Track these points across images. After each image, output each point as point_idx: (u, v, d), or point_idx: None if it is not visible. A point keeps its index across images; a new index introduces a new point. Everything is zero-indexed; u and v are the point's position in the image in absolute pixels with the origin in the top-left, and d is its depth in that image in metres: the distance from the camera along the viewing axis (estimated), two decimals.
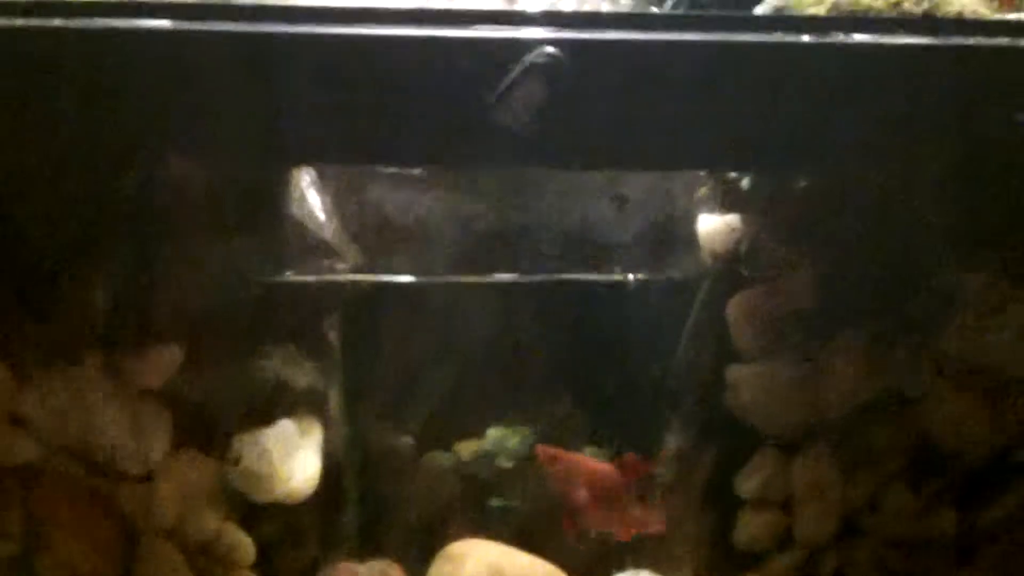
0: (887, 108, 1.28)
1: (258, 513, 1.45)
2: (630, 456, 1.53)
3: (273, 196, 1.44)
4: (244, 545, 1.44)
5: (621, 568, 1.62)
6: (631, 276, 1.54)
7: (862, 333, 1.46)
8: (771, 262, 1.47)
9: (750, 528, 1.49)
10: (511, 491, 1.60)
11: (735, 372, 1.48)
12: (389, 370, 1.56)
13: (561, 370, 1.60)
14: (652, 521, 1.49)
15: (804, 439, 1.48)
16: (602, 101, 1.26)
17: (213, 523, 1.42)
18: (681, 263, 1.54)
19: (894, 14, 1.39)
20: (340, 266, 1.48)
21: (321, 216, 1.46)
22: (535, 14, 1.30)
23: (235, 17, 1.25)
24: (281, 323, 1.44)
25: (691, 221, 1.52)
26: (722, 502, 1.52)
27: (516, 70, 1.21)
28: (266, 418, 1.43)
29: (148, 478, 1.41)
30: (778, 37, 1.28)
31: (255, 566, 1.45)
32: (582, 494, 1.46)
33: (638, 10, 1.61)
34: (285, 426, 1.42)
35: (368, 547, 1.54)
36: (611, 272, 1.55)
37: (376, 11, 1.28)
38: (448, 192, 1.54)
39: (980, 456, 1.47)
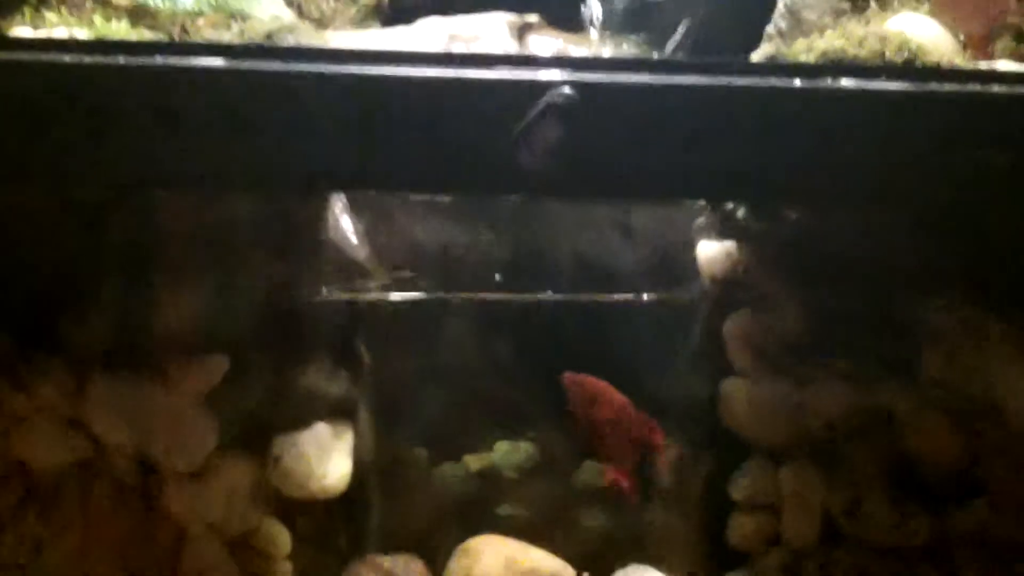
0: (870, 148, 1.35)
1: (294, 508, 1.50)
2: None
3: (311, 221, 1.50)
4: (282, 537, 1.51)
5: (624, 563, 1.62)
6: (636, 296, 1.59)
7: (844, 355, 1.51)
8: (763, 287, 1.53)
9: (741, 529, 1.56)
10: (517, 500, 1.65)
11: (729, 386, 1.55)
12: (409, 383, 1.61)
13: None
14: (654, 443, 1.55)
15: (790, 449, 1.54)
16: (612, 137, 1.32)
17: (254, 517, 1.48)
18: (682, 285, 1.59)
19: (878, 62, 1.46)
20: (371, 285, 1.54)
21: (353, 239, 1.53)
22: (552, 58, 1.38)
23: (282, 57, 1.32)
24: (318, 337, 1.50)
25: (691, 247, 1.58)
26: (716, 505, 1.57)
27: (534, 109, 1.28)
28: (303, 422, 1.49)
29: (196, 475, 1.46)
30: (772, 82, 1.35)
31: (291, 557, 1.50)
32: (601, 412, 1.53)
33: (644, 55, 1.67)
34: (320, 429, 1.50)
35: (392, 543, 1.58)
36: (617, 293, 1.60)
37: (407, 54, 1.35)
38: (468, 218, 1.60)
39: (951, 469, 1.52)
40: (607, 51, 1.72)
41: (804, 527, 1.55)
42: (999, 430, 1.53)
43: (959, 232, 1.51)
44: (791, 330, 1.54)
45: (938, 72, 1.42)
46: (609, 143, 1.33)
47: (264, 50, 1.36)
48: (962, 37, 1.55)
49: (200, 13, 1.50)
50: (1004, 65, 1.48)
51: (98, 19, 1.47)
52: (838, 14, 1.62)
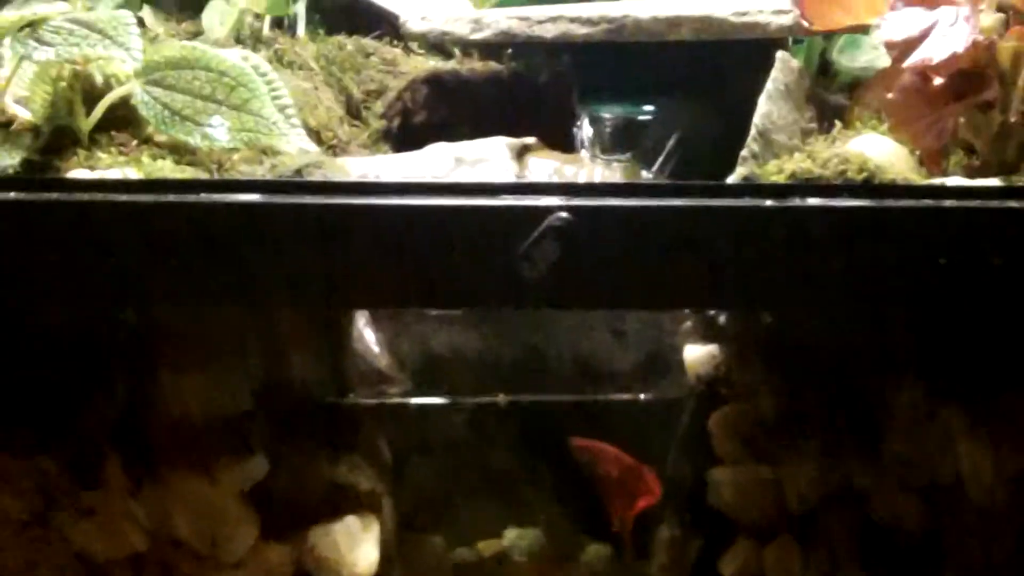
0: (835, 259, 1.43)
1: None
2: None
3: (339, 333, 1.60)
4: None
5: None
6: (631, 396, 1.68)
7: (817, 441, 1.59)
8: (743, 383, 1.62)
9: None
10: None
11: (716, 474, 1.61)
12: (427, 478, 1.68)
13: (570, 478, 1.72)
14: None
15: (773, 528, 1.60)
16: (605, 254, 1.41)
17: None
18: (670, 385, 1.67)
19: (840, 181, 1.56)
20: (392, 390, 1.62)
21: (376, 348, 1.61)
22: (551, 184, 1.49)
23: (311, 191, 1.42)
24: (347, 437, 1.57)
25: (678, 350, 1.65)
26: None
27: (536, 231, 1.38)
28: (335, 514, 1.55)
29: (238, 564, 1.52)
30: (746, 201, 1.44)
31: None
32: (610, 471, 1.62)
33: (633, 178, 1.74)
34: (350, 521, 1.55)
35: None
36: (611, 393, 1.69)
37: (422, 185, 1.46)
38: (478, 328, 1.67)
39: (917, 539, 1.59)
40: (598, 170, 1.76)
41: None
42: (960, 503, 1.59)
43: (915, 328, 1.58)
44: (768, 419, 1.61)
45: (893, 189, 1.53)
46: (602, 259, 1.41)
47: (296, 185, 1.47)
48: (918, 153, 1.63)
49: (235, 149, 1.57)
50: (954, 180, 1.57)
51: (146, 158, 1.54)
52: (806, 134, 1.73)
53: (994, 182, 1.56)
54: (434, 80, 1.94)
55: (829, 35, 1.88)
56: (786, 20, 1.83)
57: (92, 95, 1.60)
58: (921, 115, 1.63)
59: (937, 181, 1.59)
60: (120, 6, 1.86)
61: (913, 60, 1.60)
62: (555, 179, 1.72)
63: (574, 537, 1.73)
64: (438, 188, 1.47)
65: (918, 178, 1.60)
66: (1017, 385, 1.58)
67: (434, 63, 1.98)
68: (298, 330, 1.56)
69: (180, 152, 1.58)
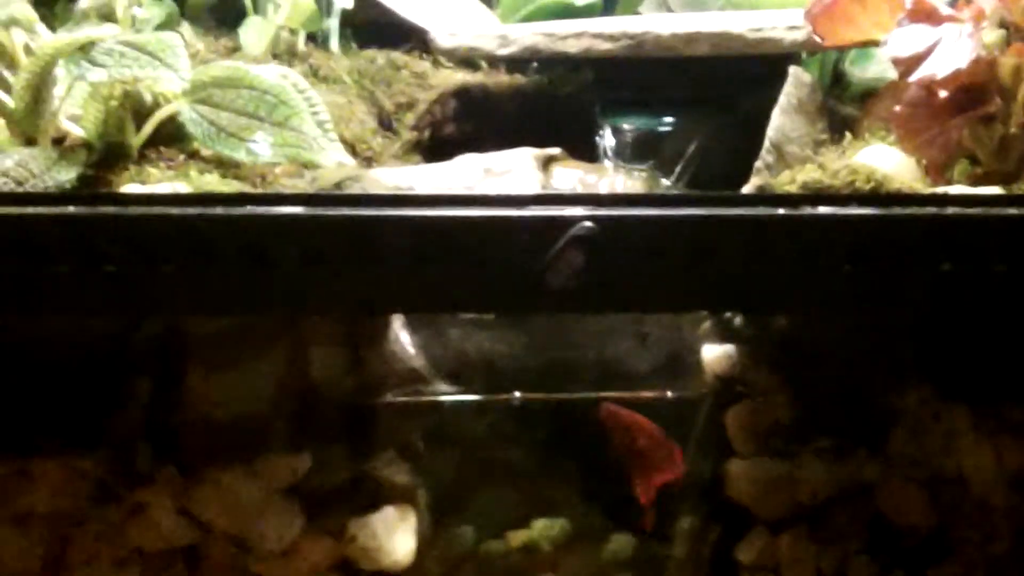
0: (845, 265, 1.47)
1: None
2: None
3: (377, 337, 1.62)
4: None
5: None
6: (654, 393, 1.70)
7: (828, 437, 1.64)
8: (757, 382, 1.65)
9: None
10: (554, 570, 1.73)
11: (733, 467, 1.65)
12: (458, 472, 1.70)
13: (595, 469, 1.73)
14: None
15: (787, 519, 1.64)
16: (628, 261, 1.45)
17: None
18: (690, 383, 1.69)
19: (849, 191, 1.61)
20: (425, 389, 1.64)
21: (411, 350, 1.64)
22: (576, 195, 1.56)
23: (350, 204, 1.47)
24: (384, 433, 1.62)
25: (697, 351, 1.69)
26: (727, 569, 1.67)
27: (561, 240, 1.42)
28: (373, 506, 1.60)
29: (285, 554, 1.57)
30: (760, 210, 1.48)
31: None
32: (638, 440, 1.64)
33: (653, 188, 1.79)
34: (388, 512, 1.60)
35: None
36: (635, 391, 1.70)
37: (454, 197, 1.53)
38: (508, 331, 1.69)
39: (924, 532, 1.64)
40: (620, 179, 1.80)
41: None
42: (964, 497, 1.63)
43: (921, 331, 1.63)
44: (781, 416, 1.65)
45: (901, 197, 1.57)
46: (624, 266, 1.45)
47: (336, 198, 1.51)
48: (924, 163, 1.67)
49: (277, 163, 1.62)
50: (957, 188, 1.61)
51: (193, 173, 1.59)
52: (818, 145, 1.77)
53: (996, 190, 1.60)
54: (462, 93, 1.96)
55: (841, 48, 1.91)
56: (799, 36, 1.87)
57: (141, 113, 1.64)
58: (926, 127, 1.67)
59: (941, 190, 1.63)
60: (162, 23, 1.91)
61: (919, 75, 1.64)
62: (579, 188, 1.75)
63: (600, 527, 1.74)
64: (468, 200, 1.51)
65: (923, 187, 1.64)
66: (1017, 394, 1.63)
67: (462, 76, 1.98)
68: (338, 334, 1.60)
69: (225, 166, 1.63)
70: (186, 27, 2.00)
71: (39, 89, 1.62)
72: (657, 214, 1.48)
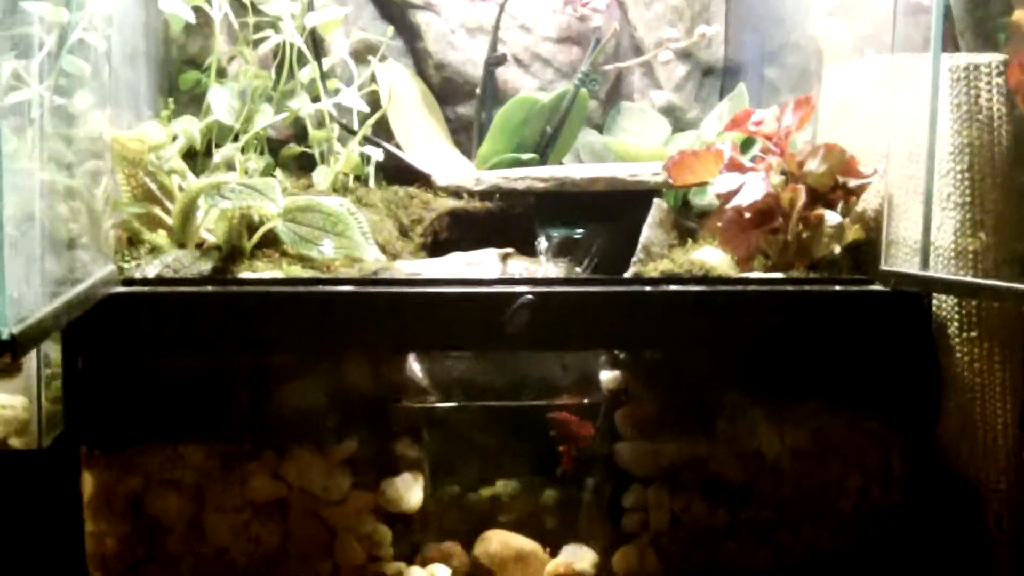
0: (686, 319, 1.55)
1: (393, 518, 1.60)
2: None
3: (398, 364, 1.62)
4: (387, 534, 1.59)
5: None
6: (573, 401, 1.68)
7: (678, 426, 1.63)
8: (635, 393, 1.65)
9: (629, 519, 1.64)
10: (510, 511, 1.68)
11: (620, 446, 1.65)
12: (450, 451, 1.67)
13: (536, 449, 1.68)
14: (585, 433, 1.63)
15: (653, 478, 1.63)
16: (557, 318, 1.52)
17: (372, 524, 1.58)
18: (594, 394, 1.68)
19: (689, 275, 1.64)
20: (430, 398, 1.64)
21: (419, 373, 1.64)
22: (523, 279, 1.60)
23: (384, 285, 1.56)
24: (402, 426, 1.61)
25: (597, 373, 1.67)
26: (616, 511, 1.65)
27: (513, 305, 1.50)
28: (395, 473, 1.60)
29: (340, 502, 1.56)
30: (635, 288, 1.58)
31: (392, 544, 1.60)
32: (569, 424, 1.64)
33: (570, 274, 1.79)
34: (405, 476, 1.60)
35: (443, 531, 1.65)
36: (561, 399, 1.69)
37: (448, 280, 1.59)
38: (480, 361, 1.68)
39: (739, 486, 1.63)
40: (550, 268, 1.80)
41: (661, 519, 1.63)
42: (762, 463, 1.64)
43: (732, 358, 1.63)
44: (650, 414, 1.64)
45: (720, 280, 1.63)
46: (554, 323, 1.52)
47: (375, 281, 1.57)
48: (735, 258, 1.70)
49: (336, 259, 1.65)
50: (756, 274, 1.65)
51: (284, 265, 1.62)
52: (671, 247, 1.78)
53: (779, 275, 1.65)
54: (453, 213, 1.94)
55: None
56: (660, 178, 1.87)
57: (252, 227, 1.67)
58: (737, 236, 1.70)
59: (745, 275, 1.67)
60: (264, 169, 1.92)
61: (732, 204, 1.68)
62: (525, 274, 1.74)
63: (538, 485, 1.69)
64: (457, 281, 1.58)
65: (734, 273, 1.68)
66: (795, 395, 1.64)
67: (452, 203, 1.96)
68: (374, 362, 1.61)
69: (304, 261, 1.65)
70: (279, 172, 1.99)
71: (188, 213, 1.65)
72: (573, 290, 1.55)
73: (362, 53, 2.10)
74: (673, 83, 2.28)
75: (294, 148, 2.04)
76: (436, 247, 1.92)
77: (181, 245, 1.66)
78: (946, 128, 1.56)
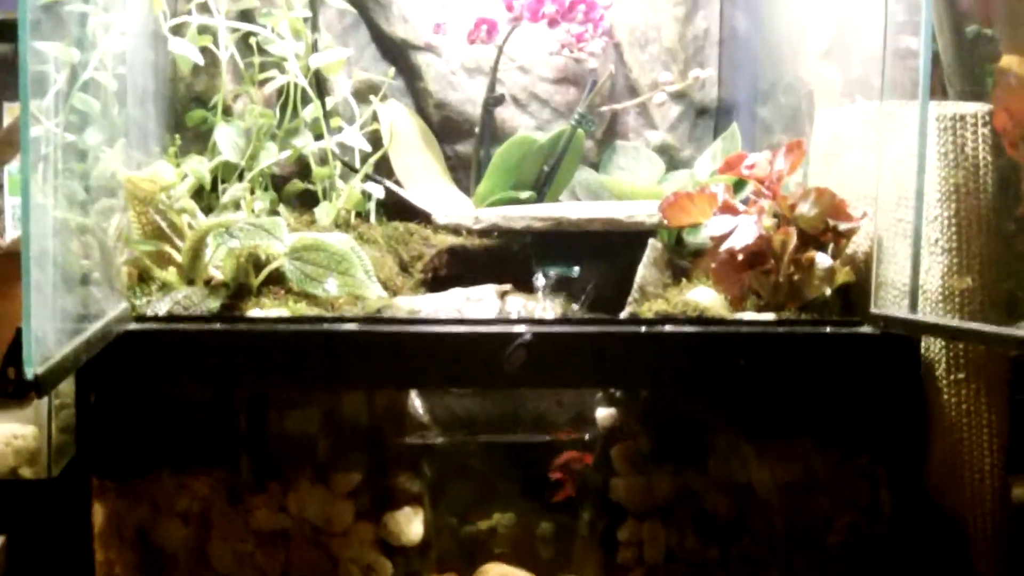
0: (680, 359, 1.58)
1: (393, 550, 1.63)
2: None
3: (400, 401, 1.67)
4: (387, 566, 1.62)
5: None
6: (571, 436, 1.74)
7: (671, 462, 1.67)
8: (630, 431, 1.69)
9: (624, 554, 1.68)
10: (504, 543, 1.73)
11: (615, 481, 1.68)
12: (449, 483, 1.70)
13: (531, 485, 1.73)
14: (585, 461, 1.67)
15: (647, 512, 1.67)
16: (554, 357, 1.54)
17: (373, 555, 1.61)
18: (590, 430, 1.73)
19: (683, 315, 1.65)
20: (430, 433, 1.69)
21: (420, 410, 1.69)
22: (521, 319, 1.63)
23: (386, 323, 1.59)
24: (404, 461, 1.65)
25: (593, 410, 1.72)
26: (610, 543, 1.68)
27: (512, 345, 1.53)
28: (398, 506, 1.62)
29: (344, 533, 1.59)
30: (630, 328, 1.61)
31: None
32: (571, 457, 1.68)
33: (567, 312, 1.78)
34: (407, 510, 1.63)
35: (442, 560, 1.67)
36: (555, 434, 1.75)
37: (449, 320, 1.62)
38: (479, 397, 1.74)
39: (730, 518, 1.66)
40: (548, 305, 1.79)
41: (656, 553, 1.67)
42: (753, 499, 1.67)
43: (726, 398, 1.67)
44: (644, 451, 1.67)
45: (713, 320, 1.65)
46: (551, 361, 1.54)
47: (376, 319, 1.60)
48: (728, 298, 1.72)
49: (340, 296, 1.66)
50: (748, 314, 1.67)
51: (290, 303, 1.64)
52: (666, 287, 1.79)
53: (771, 316, 1.67)
54: (452, 250, 1.94)
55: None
56: (655, 219, 1.88)
57: (259, 264, 1.70)
58: (730, 277, 1.72)
59: (738, 315, 1.69)
60: (268, 207, 1.95)
61: (726, 246, 1.71)
62: (523, 311, 1.75)
63: (534, 517, 1.72)
64: (457, 321, 1.61)
65: (727, 313, 1.70)
66: (786, 433, 1.67)
67: (452, 240, 1.96)
68: (376, 398, 1.64)
69: (310, 298, 1.67)
70: (282, 207, 2.01)
71: (197, 251, 1.68)
72: (570, 330, 1.59)
73: (364, 92, 2.13)
74: (667, 123, 2.31)
75: (297, 184, 2.06)
76: (436, 283, 1.92)
77: (190, 282, 1.68)
78: (933, 175, 1.60)
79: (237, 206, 1.85)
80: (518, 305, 1.80)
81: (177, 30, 1.89)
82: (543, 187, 2.16)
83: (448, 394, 1.71)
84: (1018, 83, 1.67)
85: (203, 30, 1.91)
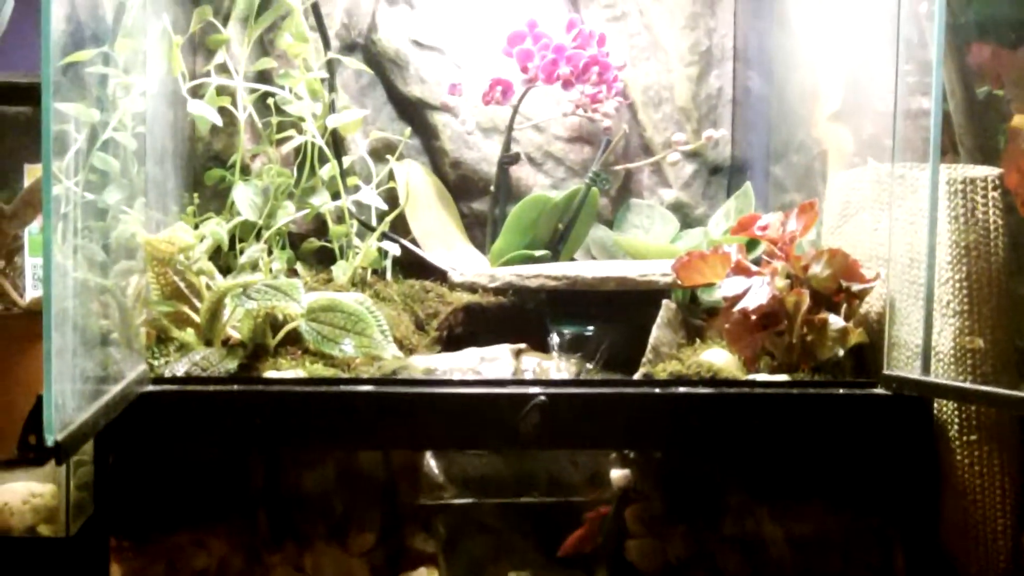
0: (694, 420, 1.57)
1: None
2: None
3: (415, 461, 1.68)
4: None
5: None
6: (584, 498, 1.74)
7: (686, 524, 1.68)
8: (644, 492, 1.70)
9: None
10: None
11: (629, 542, 1.70)
12: (464, 544, 1.71)
13: (547, 540, 1.73)
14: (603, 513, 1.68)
15: (661, 573, 1.68)
16: (569, 418, 1.54)
17: None
18: (604, 492, 1.73)
19: (697, 377, 1.65)
20: (445, 493, 1.70)
21: (436, 470, 1.69)
22: (535, 380, 1.64)
23: (402, 384, 1.58)
24: (419, 521, 1.66)
25: (607, 471, 1.73)
26: None
27: (527, 407, 1.53)
28: (413, 567, 1.63)
29: None
30: (645, 389, 1.61)
31: None
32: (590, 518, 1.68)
33: (580, 372, 1.78)
34: (422, 571, 1.63)
35: None
36: (572, 496, 1.76)
37: (463, 381, 1.62)
38: (495, 459, 1.75)
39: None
40: (562, 364, 1.80)
41: None
42: (766, 557, 1.68)
43: (739, 460, 1.68)
44: (658, 512, 1.68)
45: (727, 381, 1.65)
46: (565, 422, 1.54)
47: (392, 381, 1.60)
48: (741, 359, 1.72)
49: (356, 357, 1.67)
50: (762, 376, 1.67)
51: (307, 363, 1.65)
52: (680, 347, 1.80)
53: (784, 377, 1.68)
54: (468, 308, 1.95)
55: None
56: (669, 279, 1.89)
57: (276, 325, 1.72)
58: (743, 338, 1.73)
59: (751, 376, 1.70)
60: (285, 269, 1.98)
61: (739, 307, 1.72)
62: (537, 370, 1.76)
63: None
64: (472, 382, 1.61)
65: (740, 374, 1.71)
66: (799, 494, 1.68)
67: (468, 298, 1.97)
68: (394, 459, 1.65)
69: (327, 359, 1.69)
70: (299, 264, 2.04)
71: (215, 312, 1.70)
72: (584, 392, 1.59)
73: (380, 152, 2.17)
74: (681, 181, 2.34)
75: (314, 242, 2.09)
76: (451, 341, 1.93)
77: (208, 342, 1.70)
78: (944, 237, 1.62)
79: (255, 266, 1.86)
80: (533, 364, 1.81)
81: (196, 91, 1.92)
82: (558, 245, 2.18)
83: (463, 454, 1.72)
84: None
85: (221, 91, 1.95)
